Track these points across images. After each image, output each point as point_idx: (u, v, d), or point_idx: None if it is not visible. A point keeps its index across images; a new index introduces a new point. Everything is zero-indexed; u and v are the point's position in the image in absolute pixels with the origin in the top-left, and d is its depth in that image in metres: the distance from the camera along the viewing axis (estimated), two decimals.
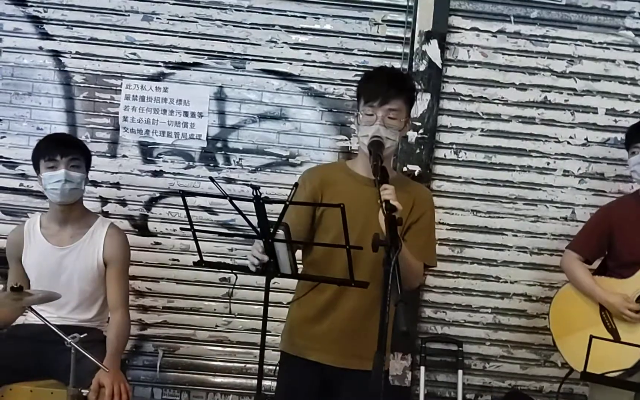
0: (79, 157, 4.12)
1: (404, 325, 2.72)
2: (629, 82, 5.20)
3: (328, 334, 3.52)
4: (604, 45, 5.18)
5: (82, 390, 3.63)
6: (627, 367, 4.07)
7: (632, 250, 4.31)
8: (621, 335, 4.27)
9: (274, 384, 4.87)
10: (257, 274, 3.27)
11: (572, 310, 4.50)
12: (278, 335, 5.05)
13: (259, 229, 3.12)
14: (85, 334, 3.56)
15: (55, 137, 4.28)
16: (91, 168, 4.42)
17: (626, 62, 5.19)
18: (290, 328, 3.75)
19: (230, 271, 3.54)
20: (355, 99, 3.63)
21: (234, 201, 3.08)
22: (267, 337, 5.04)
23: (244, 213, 3.11)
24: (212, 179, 3.21)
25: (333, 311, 3.53)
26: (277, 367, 3.80)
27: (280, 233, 3.13)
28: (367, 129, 3.39)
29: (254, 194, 3.02)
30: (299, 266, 3.32)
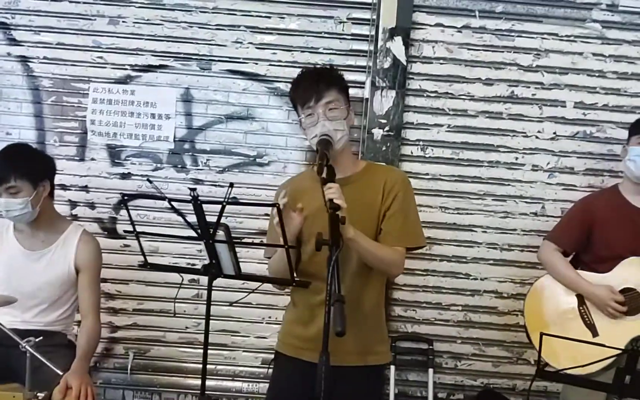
0: (15, 184, 4.03)
1: (339, 325, 2.73)
2: (597, 74, 5.16)
3: (319, 334, 3.52)
4: (571, 38, 5.15)
5: (38, 394, 3.63)
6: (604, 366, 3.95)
7: (610, 245, 4.31)
8: (599, 331, 4.26)
9: (245, 385, 4.90)
10: (200, 274, 3.29)
11: (548, 304, 4.47)
12: (248, 336, 5.13)
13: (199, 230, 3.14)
14: (41, 338, 3.56)
15: None
16: (60, 171, 4.52)
17: (594, 54, 5.16)
18: (284, 329, 3.78)
19: (177, 273, 3.55)
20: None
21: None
22: (236, 338, 5.13)
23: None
24: (149, 180, 3.23)
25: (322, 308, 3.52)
26: (271, 366, 3.83)
27: (221, 234, 3.13)
28: (314, 130, 3.41)
29: (192, 194, 3.03)
30: None
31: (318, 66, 3.74)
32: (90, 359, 4.11)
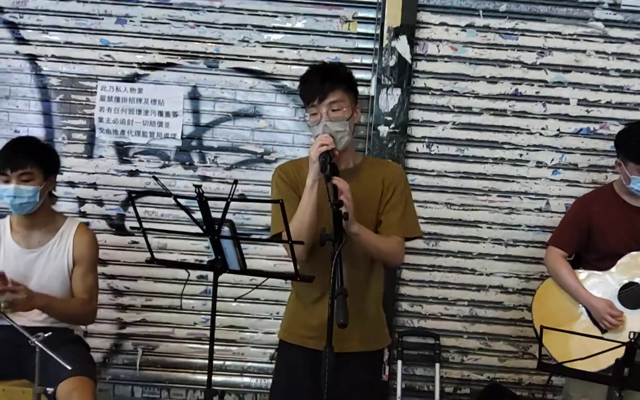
0: (31, 171, 4.08)
1: (342, 317, 2.79)
2: (599, 72, 5.20)
3: (322, 321, 3.57)
4: (574, 36, 5.18)
5: (48, 389, 3.69)
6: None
7: (608, 243, 4.36)
8: None
9: (253, 381, 4.93)
10: (205, 269, 3.33)
11: (555, 304, 4.50)
12: (256, 332, 5.16)
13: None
14: (50, 333, 3.59)
15: (9, 147, 4.24)
16: (68, 169, 4.67)
17: (596, 52, 5.19)
18: (288, 318, 3.83)
19: (184, 269, 3.59)
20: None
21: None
22: (244, 333, 5.18)
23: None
24: (155, 177, 3.29)
25: (327, 299, 3.56)
26: (275, 353, 3.97)
27: (226, 230, 3.18)
28: (316, 129, 3.47)
29: (197, 191, 3.08)
30: None
31: (327, 63, 3.76)
32: (52, 305, 4.11)
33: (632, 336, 3.45)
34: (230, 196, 3.06)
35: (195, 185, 3.06)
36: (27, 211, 4.14)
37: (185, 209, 3.23)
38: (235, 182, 3.09)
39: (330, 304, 2.91)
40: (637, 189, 4.26)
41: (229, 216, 3.13)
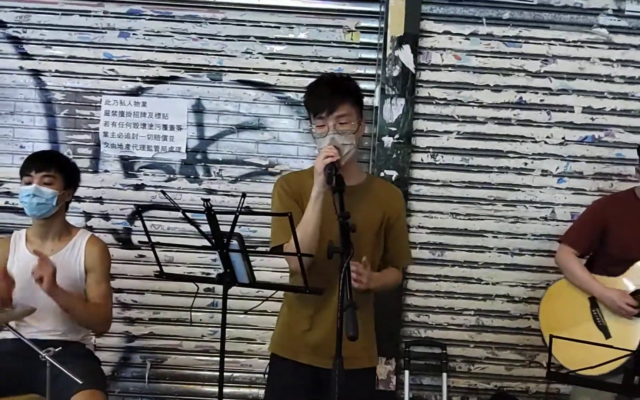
0: (54, 175, 4.17)
1: (352, 330, 2.77)
2: (604, 79, 5.20)
3: (318, 336, 3.56)
4: (578, 43, 5.19)
5: None
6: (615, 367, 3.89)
7: (625, 247, 4.33)
8: (611, 333, 4.29)
9: (262, 392, 4.92)
10: (214, 283, 3.33)
11: (562, 308, 4.49)
12: (264, 343, 5.14)
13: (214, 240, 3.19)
14: (60, 348, 3.60)
15: (35, 154, 4.37)
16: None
17: (601, 59, 5.19)
18: (280, 331, 3.79)
19: (193, 282, 3.59)
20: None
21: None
22: (252, 345, 5.17)
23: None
24: (163, 192, 3.29)
25: (323, 314, 3.56)
26: (267, 369, 3.81)
27: (234, 243, 3.17)
28: (323, 141, 3.43)
29: (205, 205, 3.08)
30: None
31: (335, 75, 3.73)
32: (71, 301, 4.11)
33: None
34: (239, 209, 3.06)
35: (203, 199, 3.06)
36: (43, 213, 4.18)
37: (194, 223, 3.24)
38: (244, 195, 3.09)
39: (339, 316, 2.88)
40: None
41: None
